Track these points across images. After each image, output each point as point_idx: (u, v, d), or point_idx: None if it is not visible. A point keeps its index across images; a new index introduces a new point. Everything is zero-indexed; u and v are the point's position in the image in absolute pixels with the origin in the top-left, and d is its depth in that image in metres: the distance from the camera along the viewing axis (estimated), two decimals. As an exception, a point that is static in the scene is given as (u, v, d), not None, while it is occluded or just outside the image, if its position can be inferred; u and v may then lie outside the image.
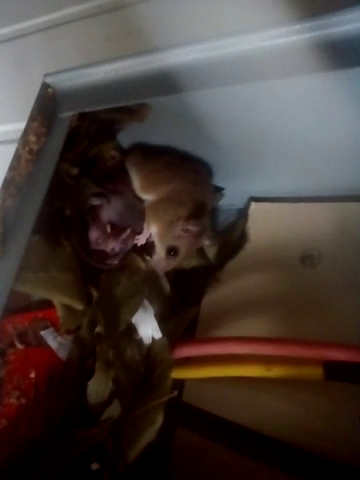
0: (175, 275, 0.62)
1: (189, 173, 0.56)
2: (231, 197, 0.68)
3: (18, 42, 0.66)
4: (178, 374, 0.54)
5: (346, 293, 0.54)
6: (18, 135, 0.59)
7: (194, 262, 0.63)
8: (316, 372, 0.46)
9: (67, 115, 0.47)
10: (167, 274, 0.60)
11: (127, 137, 0.58)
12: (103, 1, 0.59)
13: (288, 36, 0.37)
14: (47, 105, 0.48)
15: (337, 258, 0.56)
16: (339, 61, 0.35)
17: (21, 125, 0.63)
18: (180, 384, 0.55)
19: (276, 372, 0.48)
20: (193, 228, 0.52)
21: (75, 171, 0.49)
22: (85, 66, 0.47)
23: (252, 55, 0.39)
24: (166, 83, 0.44)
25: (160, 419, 0.49)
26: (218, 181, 0.66)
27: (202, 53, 0.42)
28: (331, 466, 0.45)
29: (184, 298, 0.62)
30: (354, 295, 0.53)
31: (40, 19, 0.65)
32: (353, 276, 0.54)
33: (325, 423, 0.48)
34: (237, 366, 0.51)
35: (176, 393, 0.51)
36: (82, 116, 0.48)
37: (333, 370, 0.46)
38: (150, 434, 0.49)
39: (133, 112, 0.49)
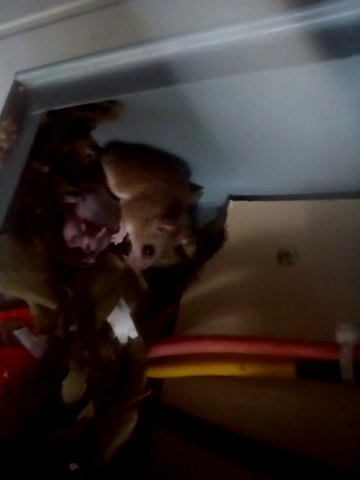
0: (154, 273, 0.62)
1: (164, 171, 0.55)
2: (211, 195, 0.68)
3: (1, 43, 0.66)
4: (155, 373, 0.54)
5: (323, 290, 0.54)
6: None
7: (173, 260, 0.63)
8: (288, 370, 0.47)
9: (38, 113, 0.47)
10: (146, 272, 0.59)
11: (103, 135, 0.58)
12: (87, 1, 0.59)
13: (281, 25, 0.36)
14: (18, 103, 0.48)
15: (314, 255, 0.56)
16: (332, 51, 0.35)
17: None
18: (159, 384, 0.55)
19: (250, 370, 0.48)
20: (168, 227, 0.52)
21: (46, 169, 0.49)
22: (56, 63, 0.47)
23: (241, 47, 0.38)
24: (137, 79, 0.44)
25: (135, 418, 0.49)
26: (198, 179, 0.66)
27: (177, 47, 0.41)
28: (306, 465, 0.45)
29: (163, 296, 0.62)
30: (331, 292, 0.53)
31: (23, 20, 0.65)
32: (329, 273, 0.54)
33: (300, 421, 0.48)
34: (212, 365, 0.51)
35: (150, 392, 0.50)
36: (53, 114, 0.47)
37: (305, 368, 0.46)
38: (125, 434, 0.49)
39: (105, 110, 0.49)
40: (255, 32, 0.37)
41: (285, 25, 0.36)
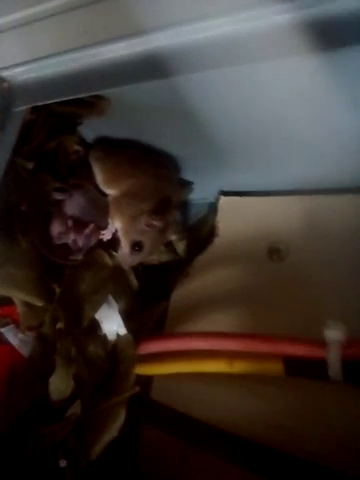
0: (144, 270, 0.61)
1: (152, 167, 0.55)
2: (202, 191, 0.67)
3: None
4: (144, 370, 0.53)
5: (313, 287, 0.53)
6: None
7: (163, 257, 0.62)
8: (277, 368, 0.46)
9: (21, 109, 0.46)
10: (136, 269, 0.59)
11: (91, 131, 0.57)
12: None
13: (275, 15, 0.34)
14: (1, 99, 0.47)
15: (304, 252, 0.56)
16: (327, 41, 0.33)
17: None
18: (148, 381, 0.55)
19: (238, 368, 0.48)
20: (157, 223, 0.52)
21: (30, 166, 0.48)
22: (40, 58, 0.47)
23: (235, 38, 0.37)
24: (124, 73, 0.43)
25: (122, 415, 0.49)
26: (188, 175, 0.65)
27: (165, 40, 0.40)
28: (295, 463, 0.45)
29: (153, 293, 0.62)
30: (321, 289, 0.53)
31: (14, 16, 0.64)
32: (320, 270, 0.54)
33: (289, 419, 0.47)
34: (200, 362, 0.50)
35: (138, 389, 0.50)
36: (37, 109, 0.47)
37: (293, 366, 0.46)
38: (112, 431, 0.49)
39: (91, 105, 0.49)
40: (248, 23, 0.36)
41: (279, 15, 0.35)
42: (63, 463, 0.50)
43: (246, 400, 0.50)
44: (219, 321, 0.56)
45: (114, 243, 0.58)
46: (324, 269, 0.54)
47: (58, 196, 0.53)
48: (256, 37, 0.36)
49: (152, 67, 0.42)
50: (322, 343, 0.44)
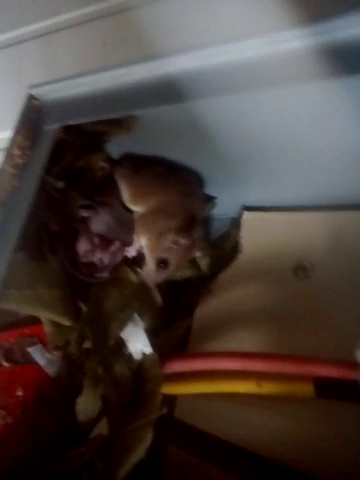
0: (167, 286, 0.61)
1: (178, 184, 0.54)
2: (224, 206, 0.67)
3: (11, 49, 0.65)
4: (169, 390, 0.53)
5: (339, 305, 0.53)
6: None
7: (186, 273, 0.62)
8: (307, 389, 0.46)
9: (52, 128, 0.46)
10: (159, 286, 0.59)
11: (116, 148, 0.57)
12: (99, 7, 0.58)
13: (291, 41, 0.36)
14: (32, 117, 0.47)
15: (330, 269, 0.55)
16: (342, 67, 0.34)
17: (3, 134, 0.61)
18: (172, 400, 0.54)
19: (267, 389, 0.48)
20: (183, 241, 0.51)
21: (60, 185, 0.48)
22: (71, 77, 0.47)
23: (253, 62, 0.38)
24: (152, 95, 0.43)
25: (149, 437, 0.48)
26: (210, 190, 0.65)
27: (194, 62, 0.41)
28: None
29: (176, 310, 0.61)
30: (347, 307, 0.52)
31: (35, 26, 0.64)
32: (346, 288, 0.53)
33: (318, 440, 0.46)
34: (228, 382, 0.50)
35: (166, 411, 0.49)
36: (67, 128, 0.47)
37: (324, 388, 0.45)
38: (140, 452, 0.48)
39: (119, 123, 0.48)
40: (265, 48, 0.37)
41: (295, 41, 0.36)
42: (87, 484, 0.50)
43: (273, 420, 0.49)
44: (243, 339, 0.56)
45: (138, 260, 0.57)
46: (350, 286, 0.53)
47: (84, 213, 0.52)
48: (273, 62, 0.37)
49: (180, 90, 0.42)
50: (353, 364, 0.44)
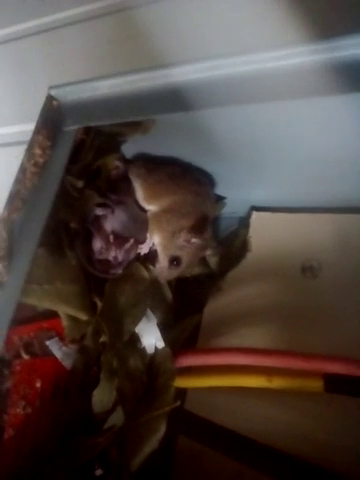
0: (177, 283, 0.62)
1: (192, 184, 0.56)
2: (233, 205, 0.68)
3: (18, 43, 0.66)
4: (180, 383, 0.54)
5: (346, 304, 0.55)
6: (17, 138, 0.59)
7: (196, 270, 0.63)
8: (317, 385, 0.47)
9: (72, 128, 0.47)
10: (170, 282, 0.60)
11: (131, 147, 0.59)
12: (105, 4, 0.59)
13: (301, 57, 0.37)
14: (52, 118, 0.48)
15: (337, 269, 0.57)
16: (353, 84, 0.35)
17: (20, 127, 0.62)
18: (182, 392, 0.56)
19: (277, 383, 0.49)
20: (195, 240, 0.53)
21: (80, 184, 0.50)
22: (90, 80, 0.48)
23: (263, 75, 0.39)
24: (172, 100, 0.44)
25: (163, 428, 0.50)
26: (220, 190, 0.66)
27: (211, 71, 0.42)
28: (332, 477, 0.46)
29: (186, 306, 0.63)
30: (355, 306, 0.54)
31: (41, 20, 0.65)
32: (353, 287, 0.55)
33: (327, 434, 0.48)
34: (239, 376, 0.52)
35: (179, 403, 0.51)
36: (87, 129, 0.48)
37: (333, 383, 0.47)
38: (153, 443, 0.50)
39: (137, 125, 0.50)
40: (278, 62, 0.38)
41: (303, 57, 0.37)
42: (99, 472, 0.51)
43: (282, 413, 0.51)
44: (251, 336, 0.58)
45: (150, 257, 0.59)
46: (357, 286, 0.55)
47: (100, 212, 0.54)
48: (282, 76, 0.38)
49: (191, 98, 0.43)
50: (362, 362, 0.46)
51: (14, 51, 0.67)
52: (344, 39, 0.35)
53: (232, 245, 0.65)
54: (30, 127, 0.48)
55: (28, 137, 0.48)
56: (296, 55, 0.37)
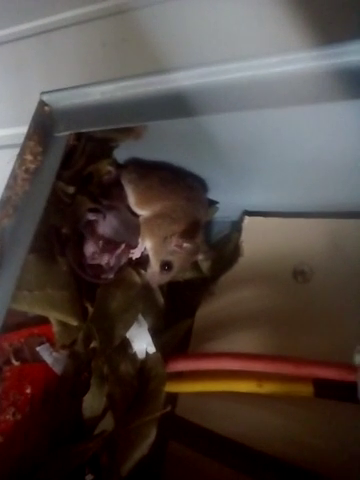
0: (169, 288, 0.62)
1: (183, 190, 0.56)
2: (225, 210, 0.68)
3: (11, 46, 0.66)
4: (171, 388, 0.55)
5: (337, 309, 0.55)
6: (8, 141, 0.59)
7: (188, 275, 0.63)
8: (306, 390, 0.48)
9: (64, 134, 0.47)
10: (161, 287, 0.60)
11: (123, 153, 0.59)
12: (99, 7, 0.59)
13: (301, 63, 0.36)
14: (43, 123, 0.48)
15: (328, 274, 0.57)
16: (354, 91, 0.35)
17: (12, 130, 0.62)
18: (173, 398, 0.56)
19: (267, 388, 0.50)
20: (187, 245, 0.53)
21: (71, 190, 0.50)
22: (82, 86, 0.48)
23: (261, 81, 0.38)
24: (166, 107, 0.44)
25: (153, 433, 0.50)
26: (212, 194, 0.66)
27: (207, 77, 0.41)
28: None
29: (178, 310, 0.63)
30: (346, 311, 0.54)
31: (35, 23, 0.65)
32: (344, 292, 0.55)
33: (317, 438, 0.49)
34: (229, 381, 0.52)
35: (169, 408, 0.51)
36: (79, 135, 0.48)
37: (323, 388, 0.47)
38: (143, 448, 0.50)
39: (129, 130, 0.50)
40: (279, 68, 0.38)
41: (305, 62, 0.37)
42: (89, 478, 0.51)
43: (272, 418, 0.51)
44: (243, 340, 0.58)
45: (141, 261, 0.59)
46: (348, 291, 0.55)
47: (92, 217, 0.54)
48: (286, 82, 0.38)
49: (184, 105, 0.43)
50: (352, 367, 0.46)
51: (7, 54, 0.66)
52: (345, 45, 0.34)
53: (224, 249, 0.65)
54: (22, 130, 0.48)
55: (20, 140, 0.48)
56: (296, 61, 0.37)
